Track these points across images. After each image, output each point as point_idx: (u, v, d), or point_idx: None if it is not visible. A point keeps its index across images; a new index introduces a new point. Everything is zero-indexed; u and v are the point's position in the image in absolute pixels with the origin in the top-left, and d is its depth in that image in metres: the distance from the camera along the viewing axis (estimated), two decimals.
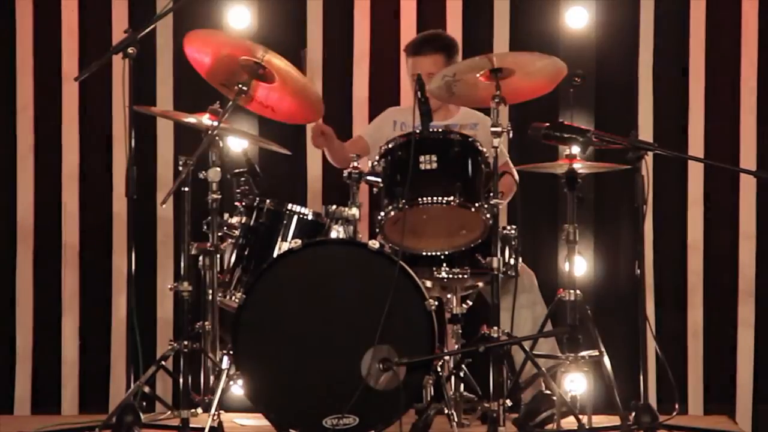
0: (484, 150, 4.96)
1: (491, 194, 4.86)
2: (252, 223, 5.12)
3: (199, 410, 4.86)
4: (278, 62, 4.99)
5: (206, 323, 5.04)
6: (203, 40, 5.05)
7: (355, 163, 5.04)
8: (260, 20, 6.24)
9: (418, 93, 4.94)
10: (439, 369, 4.91)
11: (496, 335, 4.82)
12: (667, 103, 6.27)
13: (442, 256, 5.02)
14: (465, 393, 5.14)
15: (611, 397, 4.98)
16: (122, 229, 6.14)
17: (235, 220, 5.14)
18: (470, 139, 4.99)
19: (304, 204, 5.19)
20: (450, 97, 5.14)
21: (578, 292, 5.10)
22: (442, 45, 5.65)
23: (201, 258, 5.04)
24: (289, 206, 5.10)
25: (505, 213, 5.53)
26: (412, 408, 4.97)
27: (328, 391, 4.78)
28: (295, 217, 5.09)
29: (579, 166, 5.13)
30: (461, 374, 5.09)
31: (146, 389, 4.87)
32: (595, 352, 5.06)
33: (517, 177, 5.27)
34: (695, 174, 6.23)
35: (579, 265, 5.27)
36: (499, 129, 4.86)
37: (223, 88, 5.10)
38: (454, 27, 6.15)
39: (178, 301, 4.96)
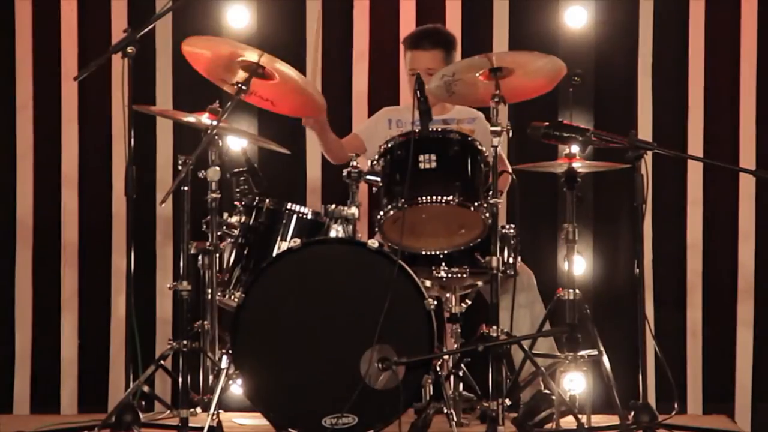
0: (484, 149, 4.96)
1: (490, 193, 4.86)
2: (251, 222, 5.12)
3: (198, 410, 4.86)
4: (277, 65, 4.99)
5: (205, 323, 5.05)
6: (201, 46, 5.05)
7: (355, 162, 5.04)
8: (259, 20, 6.25)
9: (418, 92, 4.95)
10: (438, 368, 4.90)
11: (495, 334, 4.82)
12: (666, 102, 6.27)
13: (441, 256, 5.02)
14: (464, 392, 5.15)
15: (610, 397, 4.98)
16: (122, 229, 6.14)
17: (234, 219, 5.14)
18: (469, 139, 4.99)
19: (303, 203, 5.19)
20: (449, 96, 5.14)
21: (577, 291, 5.10)
22: (442, 40, 5.65)
23: (200, 257, 5.04)
24: (289, 205, 5.09)
25: (504, 212, 5.53)
26: (411, 407, 4.97)
27: (327, 391, 4.78)
28: (295, 217, 5.08)
29: (578, 166, 5.13)
30: (460, 373, 5.09)
31: (145, 388, 4.88)
32: (594, 352, 5.06)
33: (510, 169, 5.26)
34: (695, 173, 6.23)
35: (578, 264, 5.27)
36: (498, 128, 4.86)
37: (222, 83, 5.10)
38: (453, 26, 6.15)
39: (178, 301, 4.95)
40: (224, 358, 4.98)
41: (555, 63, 4.99)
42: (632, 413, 4.78)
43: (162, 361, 4.97)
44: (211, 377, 5.04)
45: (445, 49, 5.62)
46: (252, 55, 4.96)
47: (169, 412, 5.02)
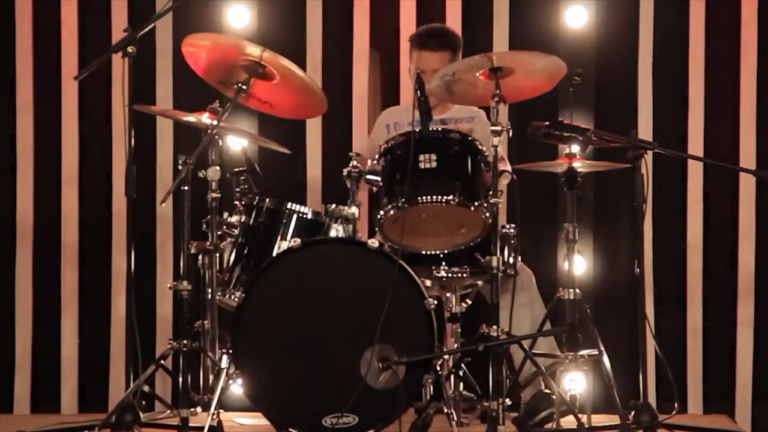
0: (484, 149, 4.96)
1: (490, 193, 4.86)
2: (251, 222, 5.12)
3: (199, 409, 4.86)
4: (278, 61, 4.99)
5: (206, 322, 5.05)
6: (201, 43, 5.05)
7: (355, 162, 5.04)
8: (260, 20, 6.24)
9: (418, 92, 4.95)
10: (438, 368, 4.90)
11: (495, 334, 4.82)
12: (667, 102, 6.27)
13: (442, 255, 5.02)
14: (464, 392, 5.14)
15: (611, 396, 4.98)
16: (122, 229, 6.14)
17: (234, 219, 5.14)
18: (470, 138, 4.99)
19: (303, 203, 5.19)
20: (450, 96, 5.14)
21: (577, 291, 5.10)
22: (450, 42, 5.66)
23: (200, 257, 5.04)
24: (289, 205, 5.10)
25: (504, 212, 5.53)
26: (412, 407, 4.97)
27: (327, 390, 4.78)
28: (295, 216, 5.09)
29: (579, 165, 5.13)
30: (460, 373, 5.09)
31: (146, 388, 4.87)
32: (595, 351, 5.06)
33: (509, 168, 5.25)
34: (695, 173, 6.23)
35: (578, 264, 5.27)
36: (498, 128, 4.86)
37: (221, 86, 5.10)
38: (453, 26, 6.14)
39: (178, 300, 4.95)
40: (224, 357, 4.98)
41: (555, 63, 4.99)
42: (632, 413, 4.78)
43: (162, 361, 4.97)
44: (211, 377, 5.04)
45: (452, 50, 5.62)
46: (254, 50, 4.95)
47: (169, 411, 5.02)
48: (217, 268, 5.06)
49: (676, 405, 5.09)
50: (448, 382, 5.02)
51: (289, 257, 4.87)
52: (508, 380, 4.89)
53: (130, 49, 4.75)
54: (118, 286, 6.16)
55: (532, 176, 5.54)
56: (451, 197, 4.87)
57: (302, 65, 6.15)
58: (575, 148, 5.09)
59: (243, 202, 5.16)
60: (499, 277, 4.84)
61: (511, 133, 4.92)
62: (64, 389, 6.21)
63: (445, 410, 4.85)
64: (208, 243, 5.02)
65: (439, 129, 5.09)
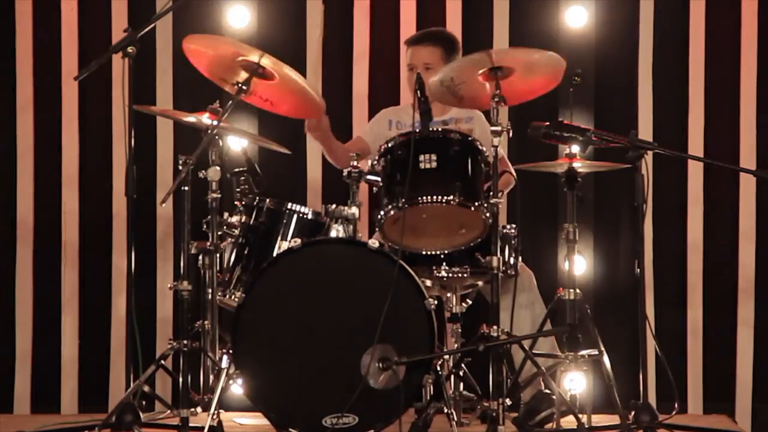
0: (484, 149, 4.96)
1: (491, 193, 4.86)
2: (252, 222, 5.12)
3: (199, 409, 4.86)
4: (277, 66, 5.00)
5: (206, 322, 5.05)
6: (202, 44, 5.06)
7: (355, 162, 5.04)
8: (260, 20, 6.25)
9: (418, 92, 4.95)
10: (438, 368, 4.91)
11: (495, 334, 4.82)
12: (667, 102, 6.27)
13: (442, 255, 5.02)
14: (464, 392, 5.15)
15: (611, 396, 4.98)
16: (122, 228, 6.15)
17: (234, 219, 5.14)
18: (470, 138, 4.99)
19: (303, 203, 5.19)
20: (459, 102, 5.12)
21: (578, 291, 5.11)
22: (441, 38, 5.66)
23: (201, 257, 5.04)
24: (289, 205, 5.10)
25: (504, 212, 5.53)
26: (412, 407, 4.97)
27: (327, 391, 4.78)
28: (295, 216, 5.09)
29: (579, 165, 5.14)
30: (461, 373, 5.10)
31: (146, 388, 4.87)
32: (595, 351, 5.06)
33: (513, 171, 5.26)
34: (695, 173, 6.23)
35: (579, 264, 5.27)
36: (498, 128, 4.86)
37: (222, 83, 5.10)
38: (453, 26, 6.15)
39: (178, 301, 4.95)
40: (224, 357, 4.98)
41: (553, 59, 4.98)
42: (632, 413, 4.78)
43: (162, 361, 4.97)
44: (211, 377, 5.04)
45: (443, 47, 5.61)
46: (253, 56, 4.96)
47: (169, 411, 5.02)
48: (218, 268, 5.06)
49: (676, 405, 5.10)
50: (448, 382, 5.02)
51: (290, 257, 4.87)
52: (508, 380, 4.89)
53: (130, 49, 4.75)
54: (118, 286, 6.17)
55: (532, 176, 5.54)
56: (451, 197, 4.87)
57: (302, 65, 6.16)
58: (575, 149, 5.09)
59: (243, 203, 5.16)
60: (499, 277, 4.84)
61: (511, 133, 4.92)
62: (64, 389, 6.21)
63: (445, 410, 4.86)
64: (208, 243, 5.02)
65: (440, 129, 5.09)
